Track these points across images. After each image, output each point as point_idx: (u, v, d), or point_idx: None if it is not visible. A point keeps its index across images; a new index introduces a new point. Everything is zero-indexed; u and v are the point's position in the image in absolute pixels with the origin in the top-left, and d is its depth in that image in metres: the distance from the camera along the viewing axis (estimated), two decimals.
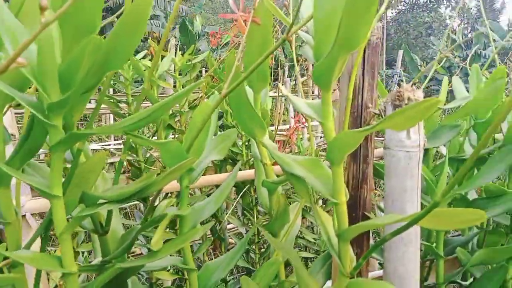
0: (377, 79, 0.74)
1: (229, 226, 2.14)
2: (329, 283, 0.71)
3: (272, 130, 1.63)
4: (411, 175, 0.63)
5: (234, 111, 0.68)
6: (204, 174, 1.97)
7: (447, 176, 1.22)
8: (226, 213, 1.86)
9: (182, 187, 0.59)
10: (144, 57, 1.87)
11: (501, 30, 16.58)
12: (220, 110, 1.80)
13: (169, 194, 1.73)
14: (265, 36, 0.63)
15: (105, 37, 0.44)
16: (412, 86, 0.64)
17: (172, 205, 1.86)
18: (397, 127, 0.42)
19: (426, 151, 0.82)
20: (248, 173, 1.25)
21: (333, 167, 0.50)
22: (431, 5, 23.14)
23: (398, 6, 23.74)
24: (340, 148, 0.48)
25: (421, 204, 0.77)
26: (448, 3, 23.55)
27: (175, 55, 1.85)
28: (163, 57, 1.76)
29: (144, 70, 1.67)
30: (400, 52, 5.38)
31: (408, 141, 0.63)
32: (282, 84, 3.92)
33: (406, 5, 24.64)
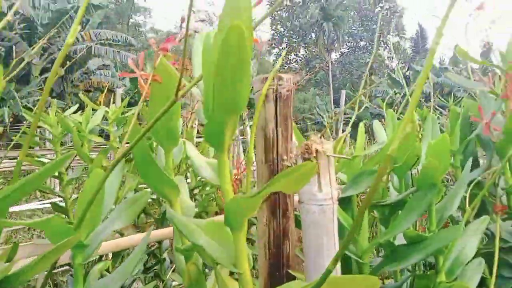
0: (291, 130, 0.73)
1: (174, 284, 2.01)
2: None
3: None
4: (327, 229, 0.61)
5: (140, 171, 0.64)
6: (144, 231, 1.84)
7: (374, 223, 1.23)
8: (171, 270, 1.75)
9: (75, 265, 0.53)
10: (76, 111, 1.80)
11: (433, 68, 18.15)
12: None
13: (104, 257, 1.60)
14: (168, 94, 0.61)
15: None
16: (320, 137, 0.63)
17: (107, 269, 1.71)
18: (286, 189, 0.40)
19: (349, 198, 0.82)
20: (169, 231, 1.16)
21: (233, 232, 0.47)
22: (370, 47, 24.96)
23: (341, 49, 25.36)
24: (237, 213, 0.45)
25: (345, 255, 0.75)
26: (385, 46, 25.53)
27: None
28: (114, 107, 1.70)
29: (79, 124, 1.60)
30: (343, 92, 5.65)
31: (320, 194, 0.61)
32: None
33: (348, 48, 26.41)
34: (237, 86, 0.38)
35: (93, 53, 15.65)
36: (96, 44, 15.91)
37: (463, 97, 1.45)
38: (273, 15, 27.28)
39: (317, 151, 0.61)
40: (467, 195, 0.78)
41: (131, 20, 22.92)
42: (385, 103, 1.46)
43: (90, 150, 1.69)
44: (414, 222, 0.91)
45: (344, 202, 0.82)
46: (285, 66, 28.04)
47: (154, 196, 1.85)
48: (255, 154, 0.74)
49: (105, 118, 1.75)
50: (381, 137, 0.92)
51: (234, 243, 0.47)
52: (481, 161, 1.10)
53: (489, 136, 0.94)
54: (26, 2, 13.11)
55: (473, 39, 1.28)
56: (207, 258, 0.50)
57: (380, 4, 24.76)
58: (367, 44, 25.34)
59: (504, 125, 0.88)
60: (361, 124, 0.83)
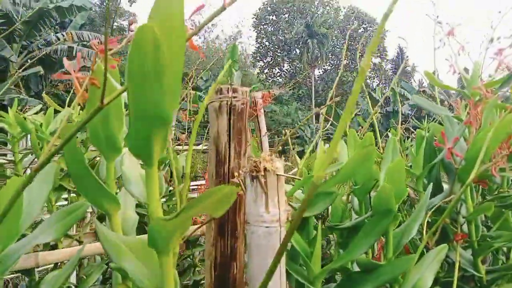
0: (246, 145, 0.69)
1: None
2: None
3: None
4: (272, 252, 0.57)
5: (75, 182, 0.58)
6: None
7: (331, 246, 1.20)
8: None
9: None
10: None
11: (413, 90, 18.65)
12: None
13: (59, 264, 1.51)
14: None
15: None
16: (272, 155, 0.60)
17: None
18: (209, 211, 0.36)
19: (306, 220, 0.78)
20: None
21: (159, 256, 0.42)
22: (353, 66, 25.47)
23: (324, 66, 25.76)
24: (161, 235, 0.40)
25: (296, 281, 0.71)
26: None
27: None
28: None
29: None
30: (324, 109, 5.69)
31: (267, 215, 0.57)
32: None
33: (331, 65, 26.86)
34: (155, 95, 0.34)
35: (74, 54, 15.39)
36: (78, 45, 15.66)
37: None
38: (259, 28, 27.54)
39: (265, 169, 0.57)
40: (425, 222, 0.75)
41: (115, 24, 22.65)
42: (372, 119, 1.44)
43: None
44: (372, 248, 0.88)
45: (300, 224, 0.78)
46: (269, 80, 28.24)
47: None
48: (206, 168, 0.70)
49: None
50: (343, 156, 0.89)
51: (160, 267, 0.42)
52: (445, 187, 1.09)
53: (451, 162, 0.93)
54: None
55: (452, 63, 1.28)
56: (132, 282, 0.45)
57: (364, 25, 25.39)
58: (350, 62, 25.85)
59: (466, 152, 0.87)
60: (321, 143, 0.80)
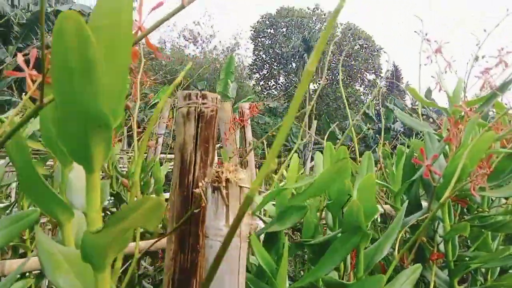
0: (213, 154, 0.66)
1: None
2: None
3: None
4: (231, 270, 0.54)
5: (24, 188, 0.55)
6: None
7: (302, 262, 1.16)
8: None
9: None
10: None
11: (404, 108, 18.83)
12: None
13: (28, 274, 1.46)
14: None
15: None
16: (236, 165, 0.57)
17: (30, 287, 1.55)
18: (140, 225, 0.33)
19: (276, 235, 0.75)
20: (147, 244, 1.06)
21: (94, 273, 0.39)
22: (348, 82, 25.69)
23: (319, 81, 25.95)
24: (94, 250, 0.37)
25: None
26: (361, 82, 26.36)
27: None
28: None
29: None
30: (315, 122, 5.69)
31: (226, 229, 0.54)
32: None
33: (326, 80, 27.07)
34: (86, 95, 0.31)
35: None
36: None
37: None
38: (257, 41, 27.77)
39: (227, 180, 0.54)
40: (397, 241, 0.72)
41: None
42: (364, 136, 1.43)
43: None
44: (345, 266, 0.85)
45: (270, 239, 0.75)
46: (264, 92, 28.35)
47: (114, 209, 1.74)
48: (170, 178, 0.67)
49: None
50: (318, 169, 0.86)
51: (95, 285, 0.39)
52: (424, 204, 1.06)
53: (430, 179, 0.91)
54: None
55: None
56: None
57: (360, 42, 25.67)
58: (345, 78, 26.06)
59: (445, 169, 0.84)
60: (295, 155, 0.77)
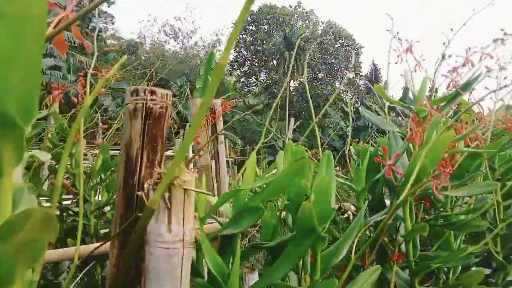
0: (162, 153, 0.63)
1: None
2: None
3: None
4: (171, 278, 0.51)
5: None
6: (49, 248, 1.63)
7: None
8: None
9: None
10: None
11: (383, 106, 19.08)
12: None
13: None
14: None
15: None
16: (183, 166, 0.54)
17: None
18: (40, 237, 0.29)
19: (232, 238, 0.72)
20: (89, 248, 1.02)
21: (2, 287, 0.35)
22: (328, 79, 25.91)
23: (300, 78, 26.11)
24: (3, 264, 0.33)
25: None
26: (341, 79, 26.61)
27: None
28: None
29: None
30: (292, 119, 5.69)
31: (168, 235, 0.51)
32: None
33: (307, 78, 27.22)
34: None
35: (45, 52, 14.91)
36: (50, 43, 15.20)
37: None
38: (238, 38, 27.71)
39: (170, 182, 0.51)
40: (354, 242, 0.71)
41: (91, 24, 22.13)
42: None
43: None
44: (305, 268, 0.83)
45: (226, 242, 0.72)
46: (245, 89, 28.31)
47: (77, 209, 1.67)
48: (116, 178, 0.63)
49: None
50: (279, 169, 0.84)
51: None
52: (388, 203, 1.06)
53: (392, 179, 0.89)
54: None
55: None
56: None
57: (340, 41, 25.92)
58: (325, 76, 26.26)
59: (406, 169, 0.83)
60: (253, 153, 0.75)
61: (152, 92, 0.61)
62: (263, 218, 0.76)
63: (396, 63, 1.29)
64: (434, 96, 1.30)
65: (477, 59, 1.22)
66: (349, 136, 1.29)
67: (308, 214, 0.59)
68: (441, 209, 1.00)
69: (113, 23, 25.10)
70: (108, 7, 23.45)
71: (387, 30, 1.50)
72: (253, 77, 28.46)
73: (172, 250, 0.50)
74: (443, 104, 0.96)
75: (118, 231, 0.58)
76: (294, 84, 26.15)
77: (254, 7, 27.09)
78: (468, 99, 1.40)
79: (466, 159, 0.98)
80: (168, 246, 0.50)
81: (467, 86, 0.86)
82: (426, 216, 0.94)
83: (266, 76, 28.04)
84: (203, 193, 0.59)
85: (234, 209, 0.74)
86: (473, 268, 1.33)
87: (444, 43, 1.14)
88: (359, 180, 0.95)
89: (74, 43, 15.76)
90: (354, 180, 0.95)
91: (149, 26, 31.24)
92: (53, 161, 1.69)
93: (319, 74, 26.65)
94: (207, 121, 2.04)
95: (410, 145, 1.01)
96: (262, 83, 28.25)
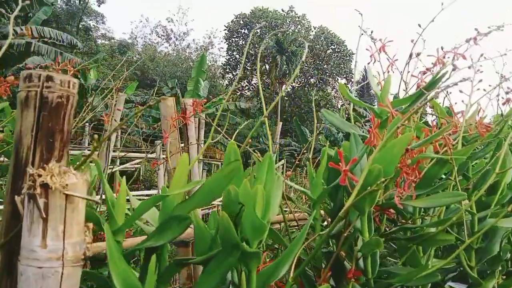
0: (63, 151, 0.53)
1: None
2: None
3: None
4: None
5: None
6: None
7: None
8: None
9: None
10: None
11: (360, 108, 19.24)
12: None
13: None
14: None
15: None
16: (60, 167, 0.44)
17: None
18: None
19: (158, 250, 0.62)
20: None
21: None
22: (320, 85, 25.97)
23: (292, 84, 26.12)
24: None
25: None
26: (333, 85, 26.71)
27: None
28: None
29: None
30: (280, 124, 5.62)
31: (42, 251, 0.41)
32: None
33: (299, 83, 27.28)
34: None
35: (32, 50, 14.68)
36: (38, 41, 15.00)
37: None
38: (231, 41, 27.66)
39: (46, 185, 0.41)
40: (293, 261, 0.61)
41: (82, 23, 21.86)
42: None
43: None
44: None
45: (147, 257, 0.62)
46: (237, 92, 28.27)
47: None
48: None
49: None
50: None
51: None
52: None
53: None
54: None
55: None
56: None
57: (332, 46, 26.00)
58: (317, 81, 26.30)
59: (362, 175, 0.74)
60: (184, 155, 0.65)
61: (49, 78, 0.51)
62: (197, 228, 0.66)
63: (369, 63, 1.21)
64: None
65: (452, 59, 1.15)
66: (313, 139, 1.20)
67: (227, 227, 0.50)
68: (403, 220, 0.91)
69: (103, 23, 24.85)
70: (99, 6, 23.22)
71: (358, 26, 1.43)
72: (245, 81, 28.42)
73: (47, 269, 0.41)
74: (406, 105, 0.88)
75: (2, 242, 0.48)
76: (287, 89, 26.18)
77: (247, 10, 27.11)
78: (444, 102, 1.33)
79: (434, 166, 0.90)
80: (42, 264, 0.41)
81: (432, 85, 0.78)
82: (387, 229, 0.85)
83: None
84: (88, 199, 0.49)
85: (160, 218, 0.64)
86: (449, 284, 1.25)
87: (412, 40, 1.06)
88: (315, 187, 0.86)
89: (63, 41, 15.57)
90: (310, 187, 0.86)
91: (141, 27, 30.93)
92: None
93: (311, 80, 26.70)
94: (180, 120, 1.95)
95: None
96: (254, 86, 28.21)
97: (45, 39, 15.18)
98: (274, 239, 0.84)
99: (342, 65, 25.47)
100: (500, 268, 1.21)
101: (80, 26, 21.77)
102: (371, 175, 0.67)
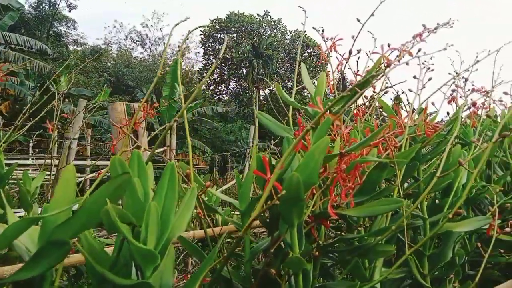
0: None
1: None
2: None
3: None
4: None
5: None
6: None
7: None
8: None
9: None
10: None
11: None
12: None
13: None
14: None
15: None
16: None
17: None
18: None
19: (30, 284, 0.52)
20: None
21: None
22: (297, 89, 26.07)
23: (270, 87, 26.19)
24: None
25: None
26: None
27: None
28: None
29: None
30: (252, 127, 5.56)
31: None
32: None
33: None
34: None
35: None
36: (5, 47, 14.51)
37: None
38: (207, 45, 27.51)
39: None
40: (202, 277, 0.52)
41: (52, 29, 21.28)
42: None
43: None
44: None
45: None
46: (215, 97, 28.11)
47: None
48: None
49: None
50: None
51: None
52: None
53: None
54: None
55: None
56: None
57: (308, 50, 26.20)
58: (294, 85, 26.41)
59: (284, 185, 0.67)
60: (70, 168, 0.55)
61: None
62: (89, 253, 0.56)
63: (321, 65, 1.14)
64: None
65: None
66: (252, 144, 1.12)
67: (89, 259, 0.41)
68: (337, 232, 0.84)
69: (75, 28, 24.26)
70: (70, 11, 22.67)
71: (313, 28, 1.37)
72: (222, 85, 28.31)
73: None
74: (338, 106, 0.81)
75: None
76: (264, 93, 26.21)
77: (222, 15, 27.07)
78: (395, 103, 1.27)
79: (375, 170, 0.83)
80: None
81: (365, 83, 0.72)
82: (320, 242, 0.77)
83: (236, 84, 27.96)
84: None
85: (38, 242, 0.54)
86: None
87: (352, 36, 1.00)
88: (242, 198, 0.77)
89: (32, 48, 15.07)
90: (239, 198, 0.77)
91: (115, 33, 30.27)
92: None
93: (288, 83, 26.82)
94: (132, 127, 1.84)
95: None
96: (232, 91, 28.15)
97: (12, 46, 14.69)
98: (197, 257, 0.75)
99: (318, 68, 25.70)
100: (454, 274, 1.16)
101: (51, 32, 21.19)
102: (291, 185, 0.59)
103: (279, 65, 25.96)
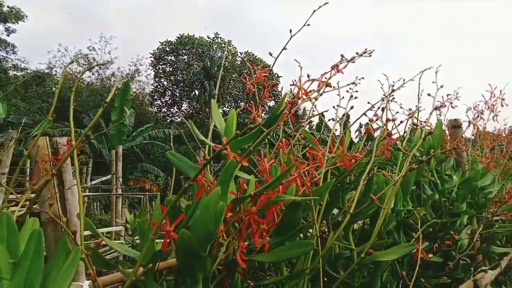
0: None
1: None
2: None
3: None
4: None
5: None
6: None
7: None
8: None
9: None
10: None
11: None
12: None
13: None
14: None
15: None
16: None
17: None
18: None
19: None
20: None
21: None
22: (250, 109, 26.32)
23: (223, 107, 26.21)
24: None
25: None
26: (263, 108, 27.25)
27: None
28: None
29: None
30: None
31: None
32: None
33: (229, 107, 27.43)
34: None
35: None
36: None
37: None
38: (157, 68, 27.17)
39: None
40: None
41: None
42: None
43: None
44: None
45: None
46: (168, 119, 27.63)
47: None
48: None
49: None
50: None
51: None
52: None
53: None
54: None
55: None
56: None
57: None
58: (248, 105, 26.66)
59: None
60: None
61: None
62: None
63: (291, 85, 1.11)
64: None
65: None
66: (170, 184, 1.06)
67: None
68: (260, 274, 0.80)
69: (14, 53, 22.99)
70: (8, 36, 21.50)
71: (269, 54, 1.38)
72: (175, 107, 27.93)
73: None
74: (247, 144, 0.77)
75: None
76: (222, 111, 26.18)
77: (172, 38, 26.94)
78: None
79: (290, 208, 0.80)
80: None
81: (273, 121, 0.69)
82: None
83: (188, 105, 27.71)
84: None
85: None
86: None
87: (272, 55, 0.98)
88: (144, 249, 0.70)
89: None
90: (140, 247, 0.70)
91: (59, 57, 28.88)
92: None
93: (240, 103, 27.03)
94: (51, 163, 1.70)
95: None
96: (184, 112, 27.81)
97: None
98: None
99: (269, 88, 26.17)
100: None
101: None
102: (183, 241, 0.54)
103: (231, 86, 26.14)
